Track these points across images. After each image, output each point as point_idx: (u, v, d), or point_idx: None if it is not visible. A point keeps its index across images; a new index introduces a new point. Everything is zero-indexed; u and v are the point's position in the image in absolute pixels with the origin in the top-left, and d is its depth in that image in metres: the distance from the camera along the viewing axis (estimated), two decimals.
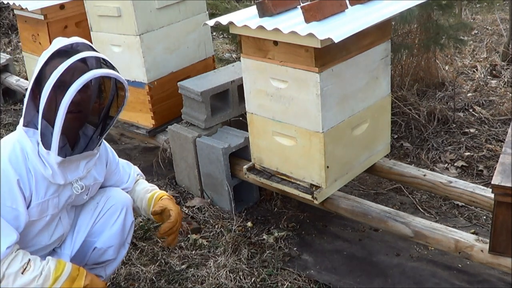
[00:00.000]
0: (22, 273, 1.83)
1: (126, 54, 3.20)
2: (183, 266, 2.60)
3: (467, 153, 3.45)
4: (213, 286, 2.46)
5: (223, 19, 2.46)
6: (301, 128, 2.44)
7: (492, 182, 1.97)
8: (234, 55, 5.13)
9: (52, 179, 1.89)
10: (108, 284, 2.19)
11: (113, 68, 1.87)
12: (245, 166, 2.77)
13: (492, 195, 2.01)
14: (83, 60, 1.80)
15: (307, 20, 2.26)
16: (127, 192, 2.24)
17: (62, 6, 3.83)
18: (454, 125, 3.74)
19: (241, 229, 2.85)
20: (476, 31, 5.70)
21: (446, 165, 3.38)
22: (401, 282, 2.47)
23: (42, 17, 3.77)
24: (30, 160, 1.85)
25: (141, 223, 2.88)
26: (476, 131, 3.68)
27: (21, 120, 1.89)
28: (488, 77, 4.48)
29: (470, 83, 4.39)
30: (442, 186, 2.62)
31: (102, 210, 2.13)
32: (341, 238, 2.79)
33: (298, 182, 2.58)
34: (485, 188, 2.54)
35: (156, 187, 2.31)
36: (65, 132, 1.82)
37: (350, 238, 2.78)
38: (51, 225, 2.01)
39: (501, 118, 3.81)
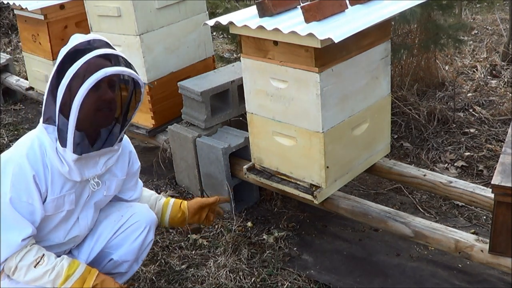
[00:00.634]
0: (35, 267, 1.84)
1: (126, 54, 3.09)
2: (183, 266, 2.60)
3: (467, 153, 3.45)
4: (213, 286, 2.46)
5: (223, 19, 2.46)
6: (301, 128, 2.44)
7: (492, 182, 1.97)
8: (234, 55, 5.12)
9: (69, 176, 1.89)
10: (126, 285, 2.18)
11: (130, 65, 1.86)
12: (245, 166, 2.77)
13: (492, 195, 2.01)
14: (101, 57, 1.80)
15: (307, 20, 2.26)
16: (135, 199, 2.24)
17: (62, 6, 3.84)
18: (454, 125, 3.74)
19: (241, 229, 2.85)
20: (476, 31, 5.70)
21: (446, 165, 3.37)
22: (401, 282, 2.47)
23: (42, 17, 3.78)
24: (48, 156, 1.86)
25: None
26: (476, 131, 3.68)
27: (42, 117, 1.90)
28: (488, 77, 4.47)
29: (470, 83, 4.39)
30: (442, 186, 2.62)
31: (125, 223, 2.12)
32: (341, 238, 2.79)
33: (298, 182, 2.58)
34: (485, 188, 2.54)
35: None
36: (86, 129, 1.82)
37: (350, 238, 2.78)
38: (67, 223, 1.99)
39: (501, 118, 3.81)
